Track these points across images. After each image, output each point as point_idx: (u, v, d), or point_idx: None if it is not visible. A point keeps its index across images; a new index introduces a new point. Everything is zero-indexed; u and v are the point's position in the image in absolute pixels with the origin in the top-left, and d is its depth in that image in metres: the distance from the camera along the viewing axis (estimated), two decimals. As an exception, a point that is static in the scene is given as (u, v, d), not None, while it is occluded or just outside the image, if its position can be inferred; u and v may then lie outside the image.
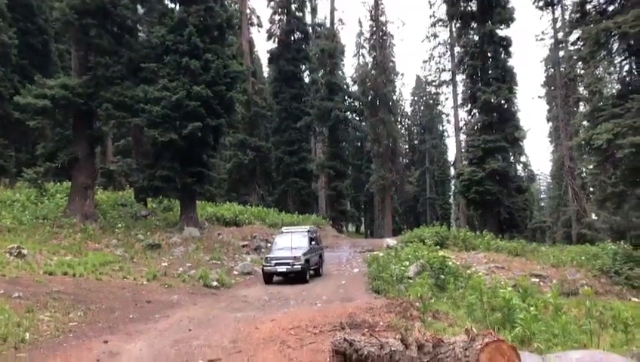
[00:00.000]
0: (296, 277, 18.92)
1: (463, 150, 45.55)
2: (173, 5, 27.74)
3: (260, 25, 53.37)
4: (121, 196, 32.31)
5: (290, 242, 20.07)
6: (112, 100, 24.02)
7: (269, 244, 25.18)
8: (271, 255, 19.62)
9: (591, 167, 28.78)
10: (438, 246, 22.34)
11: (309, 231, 21.50)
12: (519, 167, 46.22)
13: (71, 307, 11.19)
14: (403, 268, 17.27)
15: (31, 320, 9.52)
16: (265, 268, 19.15)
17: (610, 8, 22.78)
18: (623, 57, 23.41)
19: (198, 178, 26.29)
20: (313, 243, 20.88)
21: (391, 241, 29.38)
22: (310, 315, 10.22)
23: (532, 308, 7.42)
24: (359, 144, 67.58)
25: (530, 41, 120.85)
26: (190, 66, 24.87)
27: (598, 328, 6.89)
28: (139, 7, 27.44)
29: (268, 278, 19.10)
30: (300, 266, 18.69)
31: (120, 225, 24.62)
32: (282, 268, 18.85)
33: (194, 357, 7.51)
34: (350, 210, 61.80)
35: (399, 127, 67.84)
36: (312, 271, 19.99)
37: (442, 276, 16.08)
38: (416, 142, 75.23)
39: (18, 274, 13.44)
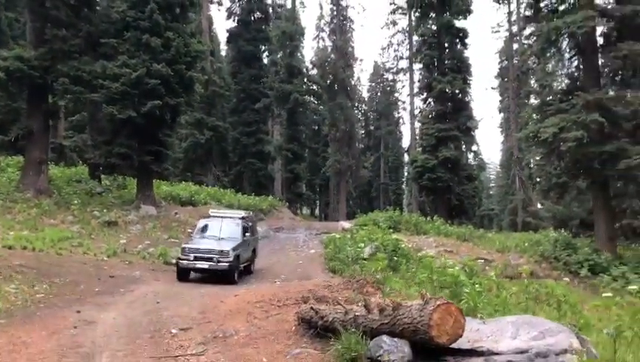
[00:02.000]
0: (220, 276, 14.84)
1: (417, 137, 46.75)
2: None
3: (220, 3, 52.70)
4: (74, 172, 31.81)
5: (219, 230, 16.13)
6: (69, 75, 23.61)
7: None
8: (190, 245, 15.34)
9: (537, 158, 30.29)
10: (392, 230, 23.21)
11: (243, 218, 17.42)
12: (470, 156, 47.82)
13: (35, 280, 11.39)
14: (358, 249, 18.03)
15: (-3, 291, 9.72)
16: (180, 261, 14.86)
17: (562, 7, 23.88)
18: (570, 55, 24.69)
19: (155, 156, 26.25)
20: (247, 234, 16.95)
21: (346, 224, 30.18)
22: (272, 291, 10.76)
23: (477, 286, 8.19)
24: (317, 127, 68.07)
25: (486, 32, 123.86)
26: (151, 44, 24.65)
27: (533, 304, 7.72)
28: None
29: (182, 274, 14.86)
30: (227, 264, 14.69)
31: (75, 201, 24.39)
32: (203, 264, 14.71)
33: (166, 325, 7.96)
34: (306, 192, 62.42)
35: (356, 112, 68.65)
36: (241, 268, 16.13)
37: (395, 257, 16.87)
38: (372, 127, 76.24)
39: (-24, 247, 13.44)
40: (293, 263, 19.02)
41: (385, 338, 5.12)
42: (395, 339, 5.07)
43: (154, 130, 25.91)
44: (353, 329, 5.49)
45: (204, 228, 16.61)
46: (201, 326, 7.89)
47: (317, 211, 74.06)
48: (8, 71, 23.02)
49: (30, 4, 24.82)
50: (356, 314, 5.72)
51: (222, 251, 14.86)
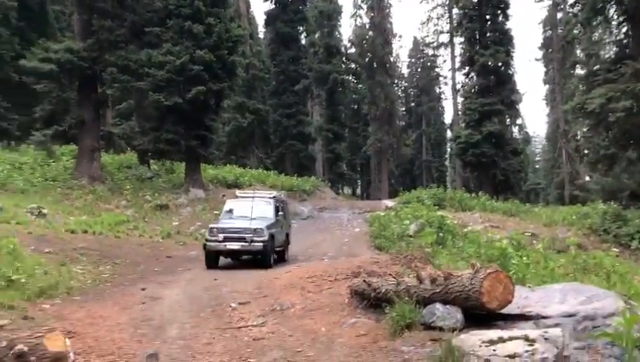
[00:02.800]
0: (254, 259, 13.67)
1: (459, 113, 46.19)
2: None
3: (257, -15, 52.98)
4: (124, 159, 32.97)
5: (250, 210, 14.19)
6: (117, 64, 24.49)
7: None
8: (219, 224, 13.89)
9: (585, 130, 29.59)
10: (436, 207, 23.25)
11: (274, 198, 15.86)
12: (515, 130, 47.01)
13: (99, 261, 12.15)
14: (404, 226, 18.24)
15: (67, 272, 10.43)
16: (208, 243, 13.27)
17: (608, -27, 23.10)
18: (618, 22, 23.91)
19: (202, 141, 27.00)
20: (280, 214, 15.51)
21: (389, 203, 30.33)
22: (321, 268, 11.13)
23: (524, 258, 8.33)
24: (356, 106, 67.91)
25: (528, 1, 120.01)
26: (193, 30, 25.26)
27: (581, 275, 7.81)
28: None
29: (211, 260, 13.31)
30: (261, 244, 13.14)
31: (128, 186, 25.40)
32: (234, 245, 13.18)
33: (226, 300, 8.45)
34: (347, 172, 62.63)
35: (396, 89, 68.08)
36: (274, 255, 14.22)
37: (441, 234, 16.99)
38: (412, 104, 75.45)
39: (43, 232, 14.28)
40: (338, 241, 19.36)
41: (438, 305, 5.42)
42: (448, 306, 5.38)
43: (199, 116, 26.59)
44: (406, 299, 5.80)
45: (233, 210, 14.91)
46: (258, 300, 8.35)
47: (358, 190, 74.19)
48: (59, 63, 24.00)
49: (78, -3, 25.70)
50: (408, 284, 6.02)
51: (255, 229, 13.29)
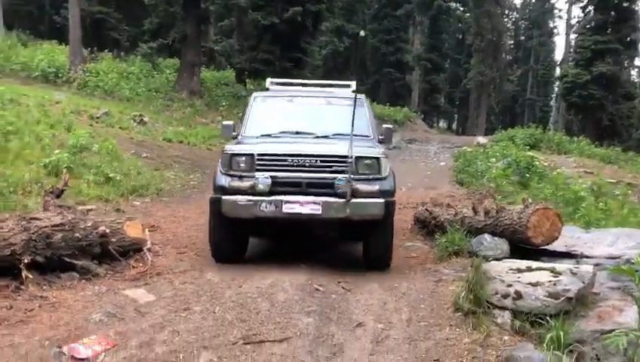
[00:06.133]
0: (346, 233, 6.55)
1: (571, 50, 43.06)
2: None
3: None
4: (222, 76, 34.08)
5: (316, 119, 6.87)
6: (219, -19, 25.01)
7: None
8: (259, 147, 5.99)
9: None
10: (528, 147, 22.40)
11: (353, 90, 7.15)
12: (633, 72, 43.32)
13: (190, 169, 13.13)
14: (489, 163, 17.86)
15: (160, 175, 11.41)
16: (224, 200, 5.66)
17: None
18: None
19: (297, 63, 27.31)
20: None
21: (482, 139, 29.45)
22: (396, 197, 11.35)
23: (601, 204, 8.10)
24: (460, 36, 64.87)
25: None
26: (294, -52, 25.05)
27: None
28: None
29: (226, 247, 6.03)
30: (382, 201, 5.80)
31: (224, 103, 26.46)
32: (307, 207, 5.42)
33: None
34: (444, 105, 60.99)
35: (505, 20, 64.04)
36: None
37: (527, 174, 16.51)
38: (522, 38, 70.94)
39: (142, 138, 15.48)
40: (421, 173, 19.33)
41: (486, 236, 5.60)
42: (496, 238, 5.53)
43: (295, 37, 26.77)
44: (458, 227, 5.98)
45: (278, 115, 7.09)
46: (326, 218, 8.79)
47: (454, 125, 72.26)
48: (166, -22, 24.88)
49: None
50: (465, 215, 6.20)
51: (364, 159, 5.81)
